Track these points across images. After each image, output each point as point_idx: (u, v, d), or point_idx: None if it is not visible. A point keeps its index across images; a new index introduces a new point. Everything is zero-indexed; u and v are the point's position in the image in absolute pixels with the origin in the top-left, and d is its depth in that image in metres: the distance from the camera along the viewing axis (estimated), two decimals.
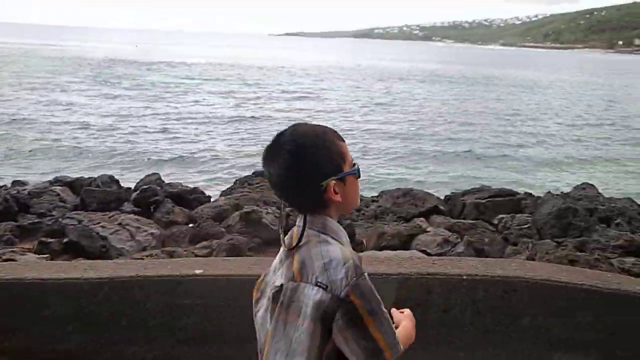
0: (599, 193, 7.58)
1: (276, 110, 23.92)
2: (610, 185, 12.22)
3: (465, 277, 2.60)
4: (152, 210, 6.41)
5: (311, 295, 1.22)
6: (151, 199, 6.54)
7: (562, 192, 7.61)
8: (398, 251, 5.21)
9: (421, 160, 15.20)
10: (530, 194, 7.60)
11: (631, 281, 2.79)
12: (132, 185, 7.52)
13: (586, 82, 56.42)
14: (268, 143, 1.31)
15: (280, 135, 1.31)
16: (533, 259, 5.49)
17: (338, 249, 1.27)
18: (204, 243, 5.36)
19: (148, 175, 8.06)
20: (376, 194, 8.01)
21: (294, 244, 1.30)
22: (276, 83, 37.33)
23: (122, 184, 7.49)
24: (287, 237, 1.36)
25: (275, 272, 1.37)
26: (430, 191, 7.96)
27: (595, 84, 53.46)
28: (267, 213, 5.95)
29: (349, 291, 1.20)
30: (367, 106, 27.30)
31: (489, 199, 7.28)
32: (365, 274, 1.24)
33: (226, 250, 5.12)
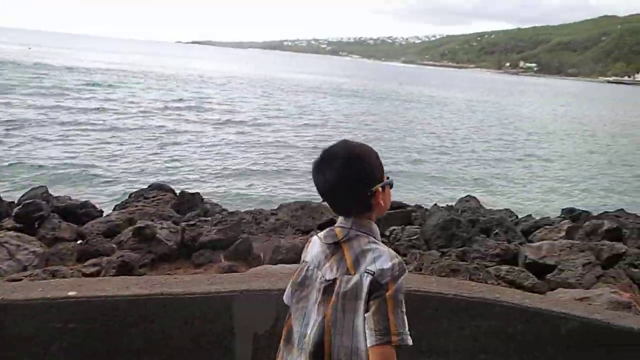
0: (481, 205, 8.20)
1: (187, 121, 23.36)
2: (491, 198, 13.22)
3: None
4: (36, 226, 6.03)
5: (363, 282, 1.45)
6: (35, 214, 6.14)
7: (447, 205, 8.15)
8: (292, 264, 5.31)
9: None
10: (420, 206, 8.05)
11: (491, 289, 3.07)
12: (16, 199, 7.02)
13: (477, 100, 60.59)
14: (317, 156, 1.55)
15: (332, 147, 1.55)
16: (420, 269, 5.84)
17: (386, 249, 1.52)
18: (93, 261, 5.14)
19: (34, 189, 7.55)
20: (276, 207, 8.09)
21: (341, 238, 1.52)
22: (176, 91, 36.41)
23: (3, 198, 6.97)
24: (326, 235, 1.58)
25: (320, 267, 1.56)
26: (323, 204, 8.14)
27: (487, 102, 57.59)
28: (162, 228, 5.82)
29: (389, 281, 1.44)
30: (276, 117, 27.50)
31: None
32: (407, 272, 1.50)
33: (116, 267, 4.94)
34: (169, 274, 5.02)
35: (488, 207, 8.56)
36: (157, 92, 34.90)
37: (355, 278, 1.46)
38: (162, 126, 20.93)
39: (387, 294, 1.43)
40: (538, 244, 6.59)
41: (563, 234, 7.13)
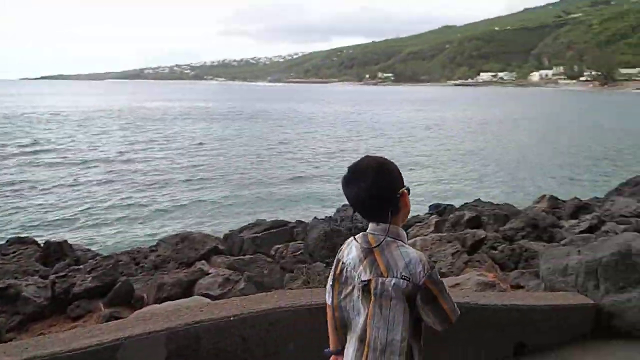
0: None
1: (43, 165, 21.51)
2: None
3: (232, 318, 2.73)
4: None
5: (400, 285, 1.70)
6: None
7: (326, 216, 8.43)
8: (178, 300, 5.15)
9: (196, 203, 15.23)
10: (301, 221, 8.24)
11: None
12: None
13: (344, 111, 63.26)
14: (346, 172, 1.79)
15: (360, 163, 1.81)
16: (308, 282, 5.98)
17: (413, 251, 1.78)
18: None
19: None
20: (154, 243, 7.79)
21: (374, 245, 1.77)
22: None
23: None
24: (362, 241, 1.82)
25: (355, 268, 1.82)
26: (208, 232, 8.04)
27: (353, 112, 60.30)
28: (28, 284, 5.34)
29: (425, 280, 1.71)
30: (144, 148, 26.40)
31: (264, 232, 7.68)
32: (435, 266, 1.77)
33: None
34: (42, 333, 4.62)
35: None
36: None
37: (392, 281, 1.73)
38: (14, 174, 19.15)
39: (431, 287, 1.72)
40: (412, 240, 7.06)
41: (432, 228, 7.72)
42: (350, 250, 1.88)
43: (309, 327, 2.91)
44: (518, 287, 5.78)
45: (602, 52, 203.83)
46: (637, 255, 3.74)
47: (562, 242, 4.78)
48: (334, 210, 8.82)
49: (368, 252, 1.79)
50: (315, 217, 7.63)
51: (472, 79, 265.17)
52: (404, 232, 1.83)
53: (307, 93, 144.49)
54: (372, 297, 1.75)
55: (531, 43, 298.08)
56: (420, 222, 8.02)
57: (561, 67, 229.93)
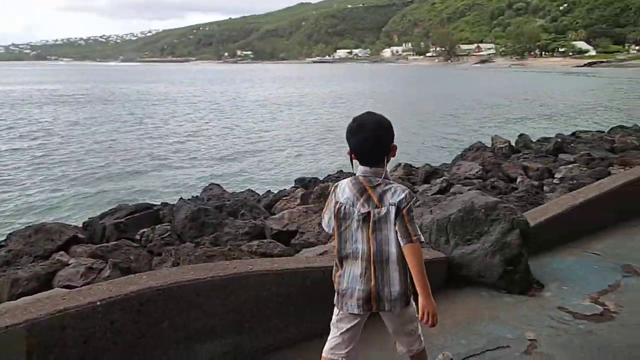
0: (224, 190, 8.56)
1: None
2: (233, 181, 13.86)
3: (99, 303, 2.64)
4: None
5: (390, 211, 2.24)
6: None
7: (193, 196, 8.28)
8: (36, 295, 4.79)
9: (52, 187, 14.05)
10: (167, 203, 8.01)
11: (244, 263, 3.33)
12: None
13: (205, 90, 61.69)
14: (352, 123, 2.29)
15: (364, 116, 2.32)
16: (178, 264, 5.87)
17: (398, 185, 2.33)
18: None
19: None
20: (3, 238, 7.08)
21: (374, 185, 2.27)
22: None
23: None
24: (354, 182, 2.31)
25: (354, 204, 2.30)
26: (66, 221, 7.49)
27: (214, 92, 59.03)
28: None
29: (405, 206, 2.24)
30: None
31: (128, 217, 7.34)
32: (415, 197, 2.34)
33: None
34: None
35: (231, 191, 8.97)
36: None
37: (384, 209, 2.26)
38: None
39: (404, 212, 2.23)
40: (280, 214, 7.24)
41: (298, 201, 7.96)
42: (344, 192, 2.35)
43: (181, 306, 2.92)
44: None
45: (445, 29, 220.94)
46: (478, 211, 4.23)
47: (417, 204, 5.24)
48: (200, 190, 8.67)
49: (363, 190, 2.29)
50: (181, 198, 7.46)
51: (330, 55, 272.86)
52: (388, 171, 2.34)
53: (164, 73, 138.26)
54: (371, 224, 2.28)
55: (382, 20, 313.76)
56: (286, 195, 8.22)
57: (410, 44, 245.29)
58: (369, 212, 2.27)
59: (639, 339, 3.29)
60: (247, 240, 6.69)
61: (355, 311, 2.37)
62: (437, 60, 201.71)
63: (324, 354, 2.48)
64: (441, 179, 8.55)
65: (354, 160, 2.34)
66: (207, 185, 8.66)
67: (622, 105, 37.09)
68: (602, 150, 11.58)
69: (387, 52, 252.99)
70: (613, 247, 4.97)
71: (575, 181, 8.29)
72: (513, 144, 12.48)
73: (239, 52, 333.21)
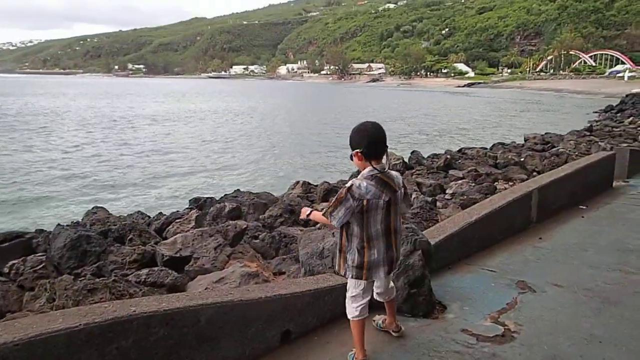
0: (110, 214, 7.85)
1: None
2: (122, 203, 12.91)
3: None
4: None
5: (401, 192, 3.11)
6: None
7: (73, 221, 7.49)
8: None
9: None
10: (42, 230, 7.17)
11: (125, 304, 2.90)
12: None
13: (92, 105, 58.15)
14: (366, 127, 2.99)
15: (368, 122, 3.01)
16: (54, 299, 5.19)
17: (397, 173, 3.17)
18: None
19: None
20: None
21: (388, 174, 3.02)
22: None
23: None
24: (372, 178, 2.96)
25: (379, 197, 2.96)
26: None
27: (104, 106, 55.79)
28: None
29: (404, 185, 3.18)
30: None
31: None
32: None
33: None
34: None
35: (118, 214, 8.26)
36: None
37: (400, 192, 3.09)
38: None
39: (405, 189, 3.20)
40: (172, 239, 6.71)
41: (193, 223, 7.48)
42: (368, 190, 2.93)
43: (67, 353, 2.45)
44: (280, 273, 5.96)
45: (338, 48, 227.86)
46: None
47: (317, 226, 5.06)
48: (83, 214, 7.84)
49: (384, 183, 2.97)
50: (59, 224, 6.68)
51: (226, 71, 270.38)
52: None
53: (48, 85, 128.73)
54: (393, 207, 3.03)
55: (277, 38, 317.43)
56: (179, 218, 7.68)
57: (305, 61, 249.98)
58: (390, 199, 2.99)
59: (540, 359, 3.31)
60: (136, 269, 6.12)
61: (382, 276, 3.17)
62: (331, 78, 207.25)
63: (357, 318, 3.22)
64: None
65: (360, 160, 2.97)
66: (90, 209, 7.86)
67: (500, 123, 40.18)
68: (486, 166, 12.26)
69: (283, 69, 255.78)
70: (506, 263, 5.10)
71: (465, 196, 8.60)
72: (406, 160, 12.84)
73: (130, 66, 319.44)
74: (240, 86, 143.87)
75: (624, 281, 4.60)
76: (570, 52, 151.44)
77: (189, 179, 16.53)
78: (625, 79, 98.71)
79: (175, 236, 6.76)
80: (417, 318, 3.92)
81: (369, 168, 2.94)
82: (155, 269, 5.82)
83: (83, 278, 5.54)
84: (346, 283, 4.00)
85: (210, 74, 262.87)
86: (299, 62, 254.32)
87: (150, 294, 5.30)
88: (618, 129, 21.20)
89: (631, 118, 27.98)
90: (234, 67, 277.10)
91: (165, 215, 8.12)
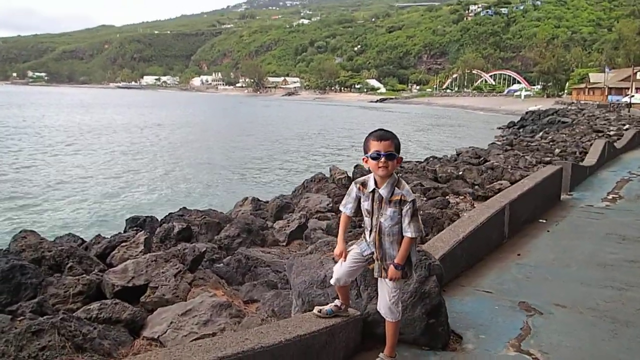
0: (43, 238, 6.85)
1: None
2: (48, 224, 11.57)
3: None
4: None
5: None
6: None
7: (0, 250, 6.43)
8: None
9: None
10: None
11: None
12: None
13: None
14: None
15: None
16: None
17: None
18: None
19: None
20: None
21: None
22: None
23: None
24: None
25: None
26: None
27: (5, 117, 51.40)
28: None
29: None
30: None
31: None
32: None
33: None
34: None
35: (50, 238, 7.27)
36: None
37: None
38: None
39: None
40: (122, 265, 5.93)
41: (142, 247, 6.70)
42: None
43: None
44: (252, 301, 5.41)
45: (253, 61, 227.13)
46: None
47: (309, 249, 4.60)
48: (9, 240, 6.75)
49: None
50: None
51: (136, 81, 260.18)
52: None
53: None
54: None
55: (190, 49, 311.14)
56: (125, 241, 6.85)
57: (219, 74, 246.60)
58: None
59: None
60: (82, 303, 5.33)
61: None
62: (246, 91, 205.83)
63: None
64: (299, 214, 8.01)
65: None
66: (17, 233, 6.78)
67: (417, 136, 41.51)
68: (427, 179, 12.29)
69: (196, 81, 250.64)
70: (498, 283, 4.90)
71: (422, 212, 8.46)
72: (350, 174, 12.60)
73: (30, 73, 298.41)
74: (154, 97, 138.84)
75: (621, 298, 4.54)
76: (473, 72, 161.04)
77: (118, 197, 15.24)
78: (522, 97, 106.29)
79: (124, 262, 5.98)
80: (437, 351, 3.56)
81: (398, 174, 3.13)
82: (108, 302, 5.06)
83: (23, 318, 4.69)
84: (356, 316, 3.59)
85: (119, 84, 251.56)
86: (213, 74, 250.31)
87: (107, 332, 4.60)
88: (534, 144, 22.40)
89: (541, 133, 29.82)
90: (145, 77, 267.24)
91: (106, 238, 7.23)
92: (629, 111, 43.19)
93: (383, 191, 3.02)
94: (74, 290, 5.46)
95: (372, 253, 3.16)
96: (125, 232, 8.49)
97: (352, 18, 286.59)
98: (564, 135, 25.72)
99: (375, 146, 2.97)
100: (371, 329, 3.59)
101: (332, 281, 3.33)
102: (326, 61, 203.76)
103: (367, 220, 3.16)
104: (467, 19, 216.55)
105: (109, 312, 4.92)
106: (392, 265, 3.05)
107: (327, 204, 9.01)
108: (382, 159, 2.93)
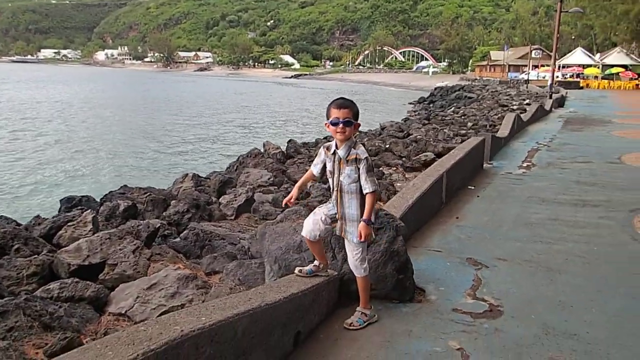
0: None
1: None
2: None
3: None
4: None
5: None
6: None
7: None
8: None
9: None
10: None
11: (165, 324, 2.44)
12: None
13: None
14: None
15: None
16: None
17: None
18: None
19: None
20: None
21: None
22: None
23: None
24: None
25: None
26: None
27: None
28: None
29: None
30: None
31: None
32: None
33: None
34: None
35: None
36: None
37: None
38: None
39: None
40: (75, 245, 5.85)
41: (90, 226, 6.58)
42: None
43: None
44: (214, 273, 5.56)
45: (162, 35, 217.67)
46: None
47: (278, 217, 4.79)
48: None
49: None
50: None
51: (33, 55, 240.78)
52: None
53: None
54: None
55: (93, 21, 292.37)
56: (71, 221, 6.67)
57: (125, 47, 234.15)
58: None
59: (537, 330, 3.57)
60: (37, 284, 5.24)
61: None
62: (155, 65, 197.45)
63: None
64: (246, 187, 8.14)
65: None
66: None
67: None
68: None
69: (100, 55, 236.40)
70: (445, 243, 5.41)
71: None
72: (284, 149, 12.83)
73: None
74: (55, 72, 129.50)
75: (550, 251, 5.18)
76: (384, 48, 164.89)
77: (41, 177, 14.38)
78: (430, 74, 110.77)
79: (77, 242, 5.89)
80: (406, 303, 3.96)
81: (355, 137, 3.46)
82: (68, 281, 5.03)
83: None
84: (334, 275, 3.90)
85: (13, 58, 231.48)
86: (119, 48, 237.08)
87: (73, 310, 4.61)
88: (448, 118, 23.71)
89: (453, 108, 31.47)
90: (42, 50, 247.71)
91: (49, 219, 6.98)
92: (527, 87, 46.46)
93: (341, 152, 3.36)
94: (27, 272, 5.34)
95: (336, 213, 3.49)
96: (60, 212, 8.23)
97: None
98: (474, 110, 27.39)
99: (335, 113, 3.30)
100: (347, 287, 3.92)
101: (302, 233, 3.62)
102: (239, 36, 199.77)
103: (330, 180, 3.51)
104: None
105: (71, 291, 4.90)
106: (362, 222, 3.32)
107: (269, 178, 9.21)
108: (340, 125, 3.28)
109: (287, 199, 3.58)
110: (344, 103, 3.36)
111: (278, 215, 7.37)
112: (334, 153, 3.41)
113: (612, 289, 4.27)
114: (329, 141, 3.53)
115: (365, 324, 3.57)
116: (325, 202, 3.81)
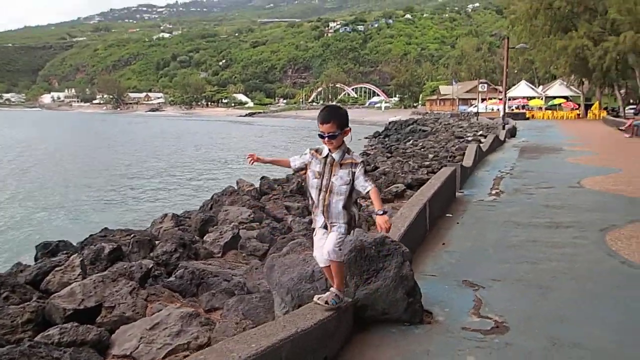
0: None
1: None
2: None
3: None
4: None
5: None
6: None
7: None
8: None
9: None
10: None
11: (222, 351, 2.53)
12: None
13: None
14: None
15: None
16: None
17: None
18: None
19: None
20: None
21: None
22: None
23: None
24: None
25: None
26: None
27: None
28: None
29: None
30: None
31: None
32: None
33: None
34: None
35: None
36: None
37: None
38: None
39: None
40: (68, 289, 5.75)
41: (79, 270, 6.47)
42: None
43: None
44: (214, 309, 5.59)
45: (111, 76, 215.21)
46: (369, 248, 4.23)
47: (284, 250, 4.87)
48: None
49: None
50: None
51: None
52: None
53: None
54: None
55: (37, 63, 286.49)
56: (58, 265, 6.54)
57: (73, 90, 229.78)
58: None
59: (545, 342, 3.81)
60: (33, 331, 5.14)
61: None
62: (105, 107, 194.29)
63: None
64: (230, 225, 8.20)
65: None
66: None
67: (296, 148, 42.66)
68: None
69: (47, 98, 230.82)
70: (438, 268, 5.63)
71: None
72: (257, 186, 12.92)
73: None
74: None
75: (536, 270, 5.49)
76: (336, 85, 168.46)
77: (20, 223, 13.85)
78: (382, 109, 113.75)
79: (70, 286, 5.80)
80: (417, 325, 4.13)
81: (347, 144, 3.62)
82: (68, 326, 4.96)
83: None
84: (350, 302, 4.04)
85: None
86: (66, 91, 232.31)
87: (77, 355, 4.55)
88: (409, 151, 24.42)
89: (412, 141, 32.39)
90: None
91: (33, 265, 6.83)
92: (477, 119, 48.43)
93: (335, 155, 3.56)
94: (21, 319, 5.23)
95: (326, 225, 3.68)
96: (37, 258, 8.04)
97: (216, 32, 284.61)
98: (432, 142, 28.31)
99: (320, 127, 3.53)
100: (362, 313, 4.07)
101: (320, 265, 3.82)
102: (191, 76, 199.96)
103: (315, 182, 3.62)
104: (327, 35, 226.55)
105: (72, 336, 4.85)
106: (379, 216, 3.51)
107: (249, 215, 9.28)
108: (326, 139, 3.52)
109: (252, 158, 3.85)
110: (325, 118, 3.52)
111: (265, 250, 7.50)
112: (326, 156, 3.60)
113: (604, 302, 4.58)
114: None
115: (337, 305, 3.68)
116: (309, 235, 4.06)
